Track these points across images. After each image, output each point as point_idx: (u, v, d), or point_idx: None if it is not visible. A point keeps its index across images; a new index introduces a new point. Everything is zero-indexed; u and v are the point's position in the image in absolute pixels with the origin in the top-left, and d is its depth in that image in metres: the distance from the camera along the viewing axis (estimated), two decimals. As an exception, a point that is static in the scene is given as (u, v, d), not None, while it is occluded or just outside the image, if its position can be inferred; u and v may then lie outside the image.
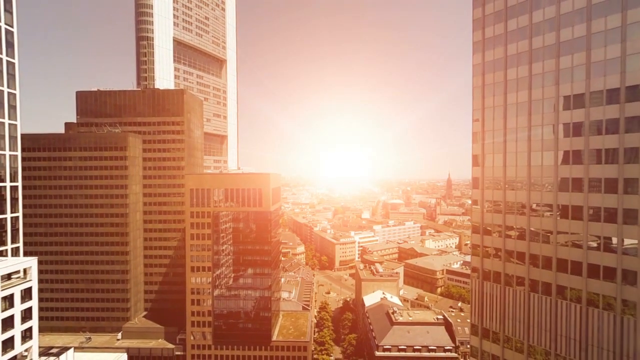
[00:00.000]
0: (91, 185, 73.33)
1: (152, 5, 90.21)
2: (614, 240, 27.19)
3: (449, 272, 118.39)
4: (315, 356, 79.43)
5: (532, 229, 31.67)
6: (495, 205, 34.00)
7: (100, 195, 73.34)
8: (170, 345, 70.57)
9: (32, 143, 72.47)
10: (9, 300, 35.72)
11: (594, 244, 28.26)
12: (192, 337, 69.15)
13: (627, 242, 26.58)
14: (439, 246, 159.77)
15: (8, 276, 37.29)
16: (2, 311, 34.71)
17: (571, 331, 29.36)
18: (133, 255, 75.18)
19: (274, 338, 69.87)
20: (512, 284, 32.92)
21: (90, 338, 72.29)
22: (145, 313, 78.74)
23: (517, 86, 32.09)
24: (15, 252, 50.89)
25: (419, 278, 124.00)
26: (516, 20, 31.96)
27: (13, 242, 51.49)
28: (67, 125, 79.66)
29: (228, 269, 69.81)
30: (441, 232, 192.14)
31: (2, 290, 34.66)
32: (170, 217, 78.47)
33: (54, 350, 49.66)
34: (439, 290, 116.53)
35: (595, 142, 27.92)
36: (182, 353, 69.78)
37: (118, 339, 72.04)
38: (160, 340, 72.15)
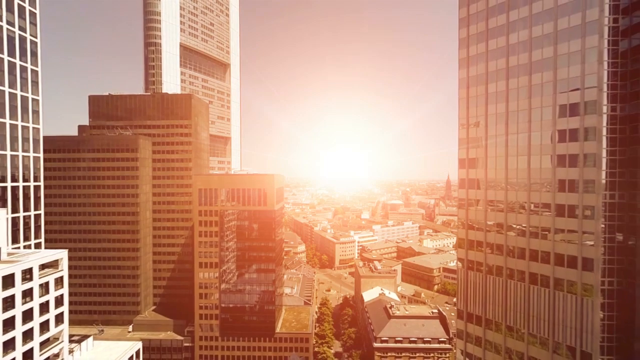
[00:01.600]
0: (104, 185, 78.07)
1: (159, 13, 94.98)
2: (576, 232, 32.04)
3: (445, 269, 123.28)
4: (316, 349, 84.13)
5: (509, 224, 36.50)
6: (478, 203, 38.81)
7: (112, 194, 78.05)
8: (179, 337, 75.28)
9: (48, 145, 77.14)
10: (45, 288, 40.35)
11: (560, 236, 33.12)
12: (200, 329, 73.89)
13: (586, 233, 31.47)
14: (436, 245, 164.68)
15: (43, 266, 41.88)
16: (40, 297, 39.37)
17: (541, 312, 34.18)
18: (143, 251, 79.93)
19: (278, 330, 74.68)
20: (492, 272, 37.72)
21: (102, 330, 76.95)
22: (154, 307, 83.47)
23: (496, 98, 36.94)
24: (37, 247, 55.60)
25: (417, 276, 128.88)
26: (495, 41, 36.80)
27: (35, 237, 56.32)
28: (80, 127, 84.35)
29: (234, 265, 74.60)
30: (439, 232, 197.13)
31: (39, 278, 39.33)
32: (178, 215, 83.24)
33: (75, 338, 54.32)
34: (435, 287, 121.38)
35: (560, 149, 32.79)
36: (190, 344, 74.52)
37: (129, 331, 76.74)
38: (169, 332, 76.85)
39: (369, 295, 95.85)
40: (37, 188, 57.01)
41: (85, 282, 78.76)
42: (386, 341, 74.65)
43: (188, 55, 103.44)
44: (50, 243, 77.38)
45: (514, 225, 36.17)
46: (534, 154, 34.46)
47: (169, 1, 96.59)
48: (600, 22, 30.70)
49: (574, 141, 31.81)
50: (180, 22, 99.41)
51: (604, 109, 37.30)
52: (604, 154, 37.30)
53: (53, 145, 77.05)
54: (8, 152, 52.72)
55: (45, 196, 79.00)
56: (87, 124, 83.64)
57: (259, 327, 73.70)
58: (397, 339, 74.81)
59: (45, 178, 77.86)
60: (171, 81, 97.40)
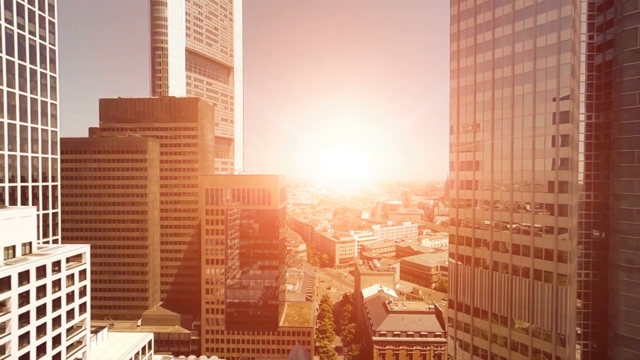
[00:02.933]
0: (114, 185, 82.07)
1: (166, 18, 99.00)
2: (552, 228, 36.13)
3: (443, 268, 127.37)
4: (317, 343, 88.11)
5: (495, 221, 40.56)
6: (467, 202, 42.84)
7: (121, 194, 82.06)
8: (186, 331, 79.33)
9: (62, 146, 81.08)
10: (70, 279, 44.23)
11: (538, 232, 37.22)
12: (206, 323, 77.89)
13: (561, 228, 35.58)
14: (435, 245, 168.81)
15: (68, 259, 45.74)
16: (66, 287, 43.23)
17: (522, 300, 38.23)
18: (151, 249, 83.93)
19: (281, 324, 78.71)
20: (480, 265, 41.74)
21: (112, 324, 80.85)
22: (161, 302, 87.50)
23: (484, 107, 41.01)
24: (54, 243, 59.54)
25: (415, 274, 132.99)
26: (483, 55, 40.87)
27: (53, 234, 60.40)
28: (91, 130, 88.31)
29: (239, 262, 78.59)
30: (438, 232, 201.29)
31: (66, 270, 43.24)
32: (184, 214, 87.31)
33: (92, 329, 58.32)
34: (433, 285, 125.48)
35: (539, 154, 36.88)
36: (197, 337, 78.54)
37: (138, 325, 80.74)
38: (176, 326, 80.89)
39: (368, 292, 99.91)
40: (54, 188, 61.05)
41: (96, 278, 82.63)
42: (384, 335, 78.72)
43: (193, 58, 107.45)
44: (63, 240, 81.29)
45: (500, 222, 40.23)
46: (517, 157, 38.54)
47: (175, 7, 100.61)
48: (574, 40, 34.79)
49: (553, 147, 35.92)
50: (186, 27, 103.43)
51: (581, 117, 41.41)
52: (581, 157, 41.37)
53: (65, 146, 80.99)
54: (29, 154, 56.94)
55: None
56: (98, 126, 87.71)
57: (263, 321, 77.74)
58: (394, 332, 78.93)
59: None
60: (177, 84, 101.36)
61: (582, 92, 41.82)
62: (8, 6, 50.68)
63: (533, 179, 37.35)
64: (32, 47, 56.68)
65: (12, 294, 35.09)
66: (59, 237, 61.58)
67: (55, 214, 60.98)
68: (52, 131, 60.91)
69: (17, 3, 52.90)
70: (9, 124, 63.09)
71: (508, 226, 39.29)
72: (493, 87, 39.99)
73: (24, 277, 36.67)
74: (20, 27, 55.20)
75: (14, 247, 39.85)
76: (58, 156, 61.41)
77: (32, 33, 56.31)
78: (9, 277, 34.75)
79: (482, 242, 41.62)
